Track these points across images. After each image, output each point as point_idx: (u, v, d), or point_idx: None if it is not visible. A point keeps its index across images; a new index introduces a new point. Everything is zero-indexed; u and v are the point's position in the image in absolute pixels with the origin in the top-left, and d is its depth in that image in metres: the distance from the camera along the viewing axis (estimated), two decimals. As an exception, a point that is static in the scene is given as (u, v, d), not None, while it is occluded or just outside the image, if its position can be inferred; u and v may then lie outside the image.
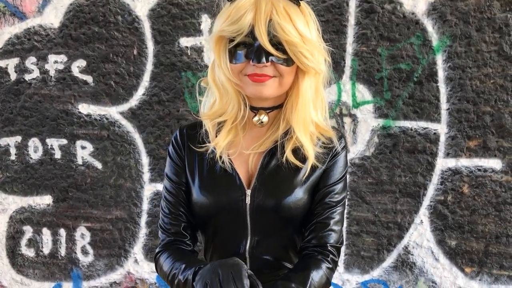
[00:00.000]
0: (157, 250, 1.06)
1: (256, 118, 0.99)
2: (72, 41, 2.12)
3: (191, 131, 1.05)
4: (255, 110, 1.00)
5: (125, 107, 2.13)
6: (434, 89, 1.90)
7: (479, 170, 1.89)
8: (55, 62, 2.14)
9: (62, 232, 2.24)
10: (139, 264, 2.21)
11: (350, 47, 1.93)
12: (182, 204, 1.03)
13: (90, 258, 2.23)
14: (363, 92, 1.95)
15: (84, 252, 2.24)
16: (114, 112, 2.14)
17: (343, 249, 2.02)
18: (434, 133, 1.91)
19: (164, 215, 1.05)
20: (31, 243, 2.27)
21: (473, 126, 1.88)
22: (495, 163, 1.88)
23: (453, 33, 1.86)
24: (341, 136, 1.05)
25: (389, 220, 1.98)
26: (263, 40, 0.88)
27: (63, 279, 2.27)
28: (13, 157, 2.23)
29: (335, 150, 1.01)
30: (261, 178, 0.98)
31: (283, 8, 0.89)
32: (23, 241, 2.28)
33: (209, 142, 1.00)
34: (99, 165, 2.17)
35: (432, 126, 1.91)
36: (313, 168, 0.99)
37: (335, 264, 1.00)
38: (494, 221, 1.90)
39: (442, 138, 1.91)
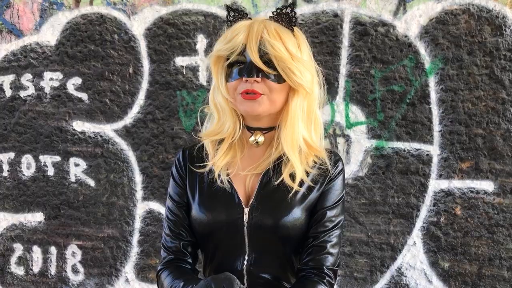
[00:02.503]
0: (158, 267, 1.08)
1: (252, 138, 1.02)
2: (68, 58, 2.14)
3: (192, 151, 1.08)
4: (251, 130, 1.03)
5: (119, 124, 2.13)
6: (427, 110, 1.92)
7: (472, 191, 1.90)
8: (50, 79, 2.15)
9: (53, 250, 2.22)
10: (130, 284, 2.18)
11: (343, 69, 1.96)
12: (184, 224, 1.05)
13: (80, 277, 2.21)
14: (357, 113, 1.96)
15: (75, 270, 2.21)
16: (108, 129, 2.15)
17: (336, 270, 2.01)
18: (427, 155, 1.93)
19: (166, 234, 1.07)
20: (21, 261, 2.25)
21: (465, 148, 1.90)
22: (487, 185, 1.89)
23: (445, 56, 1.89)
24: (339, 159, 1.06)
25: (382, 241, 1.97)
26: (254, 56, 0.93)
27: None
28: (5, 174, 2.22)
29: (333, 173, 1.02)
30: (259, 197, 1.00)
31: (274, 29, 0.95)
32: (13, 259, 2.25)
33: (209, 160, 1.03)
34: (92, 183, 2.17)
35: (424, 147, 1.93)
36: (310, 189, 1.01)
37: (332, 286, 1.01)
38: (487, 243, 1.90)
39: (435, 160, 1.92)
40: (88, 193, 2.17)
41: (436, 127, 1.92)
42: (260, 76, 0.95)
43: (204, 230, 1.02)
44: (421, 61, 1.90)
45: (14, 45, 2.17)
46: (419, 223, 1.95)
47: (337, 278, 2.02)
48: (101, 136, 2.15)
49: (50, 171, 2.19)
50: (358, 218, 1.98)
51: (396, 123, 1.94)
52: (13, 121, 2.19)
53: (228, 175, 1.01)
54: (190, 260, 1.07)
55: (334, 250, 1.01)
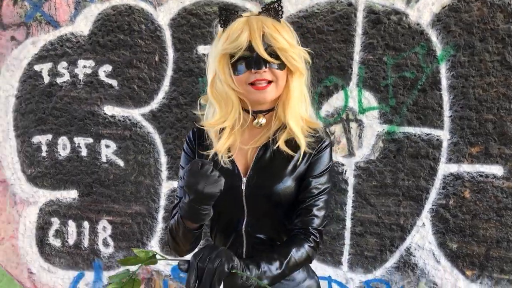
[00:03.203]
0: (169, 227, 1.21)
1: (256, 121, 1.16)
2: (100, 47, 2.30)
3: (200, 133, 1.22)
4: (254, 113, 1.16)
5: (146, 109, 2.29)
6: (438, 96, 1.97)
7: (481, 176, 1.95)
8: (83, 66, 2.33)
9: (86, 224, 2.41)
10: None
11: (357, 56, 2.03)
12: None
13: (110, 249, 2.40)
14: (369, 99, 2.04)
15: (105, 244, 2.40)
16: (136, 114, 2.31)
17: (346, 248, 2.11)
18: (437, 139, 1.99)
19: (178, 198, 1.22)
20: (58, 234, 2.46)
21: (475, 133, 1.95)
22: (496, 169, 1.94)
23: (457, 43, 1.93)
24: (327, 134, 1.19)
25: (392, 222, 2.05)
26: (261, 50, 1.06)
27: (86, 268, 2.44)
28: (44, 154, 2.43)
29: (319, 147, 1.14)
30: (255, 168, 1.14)
31: (271, 23, 1.08)
32: (51, 232, 2.46)
33: (212, 147, 1.17)
34: (121, 163, 2.34)
35: (435, 132, 1.99)
36: (300, 160, 1.14)
37: (317, 244, 1.14)
38: (495, 226, 1.95)
39: (445, 144, 1.98)
40: (117, 173, 2.35)
41: (447, 113, 1.97)
42: (267, 66, 1.07)
43: None
44: (432, 48, 1.96)
45: (52, 35, 2.36)
46: (428, 205, 2.01)
47: (348, 256, 2.11)
48: (129, 120, 2.31)
49: (84, 152, 2.38)
50: (369, 199, 2.07)
51: (408, 108, 2.00)
52: (50, 106, 2.39)
53: (230, 156, 1.15)
54: None
55: (319, 213, 1.13)
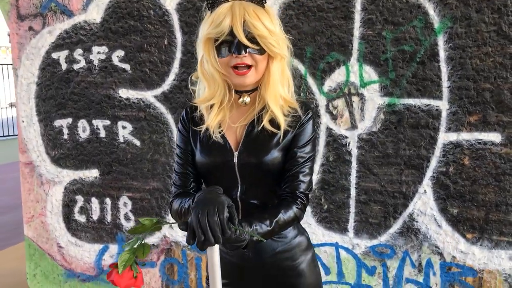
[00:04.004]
0: (170, 200, 1.35)
1: (241, 100, 1.27)
2: (112, 34, 2.42)
3: (193, 111, 1.34)
4: (239, 93, 1.28)
5: (158, 91, 2.41)
6: (436, 68, 2.04)
7: (479, 143, 2.03)
8: (98, 53, 2.46)
9: (108, 201, 2.58)
10: (173, 229, 2.51)
11: (357, 32, 2.11)
12: (190, 165, 1.32)
13: (131, 223, 2.57)
14: (370, 73, 2.12)
15: (127, 218, 2.57)
16: (149, 96, 2.44)
17: (352, 216, 2.22)
18: (436, 110, 2.06)
19: (176, 173, 1.35)
20: (82, 210, 2.64)
21: (473, 102, 2.02)
22: (494, 137, 2.01)
23: (454, 15, 1.99)
24: (308, 108, 1.29)
25: (395, 190, 2.16)
26: (241, 36, 1.15)
27: (110, 241, 2.62)
28: (65, 137, 2.59)
29: (303, 119, 1.25)
30: (245, 143, 1.26)
31: (252, 10, 1.17)
32: (76, 209, 2.65)
33: (204, 122, 1.29)
34: (137, 143, 2.49)
35: (434, 103, 2.06)
36: (285, 133, 1.26)
37: (304, 205, 1.26)
38: (494, 191, 2.04)
39: (444, 114, 2.06)
40: (134, 152, 2.50)
41: (445, 84, 2.04)
42: (247, 52, 1.17)
43: (205, 170, 1.29)
44: (430, 21, 2.01)
45: (66, 24, 2.49)
46: (429, 173, 2.11)
47: (354, 223, 2.22)
48: (143, 102, 2.45)
49: (102, 133, 2.53)
50: (372, 169, 2.17)
51: (407, 81, 2.08)
52: (69, 91, 2.54)
53: (221, 131, 1.27)
54: (194, 192, 1.31)
55: (305, 179, 1.25)
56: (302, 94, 2.20)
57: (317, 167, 2.24)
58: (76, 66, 2.51)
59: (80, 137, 2.57)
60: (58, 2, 2.48)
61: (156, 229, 1.09)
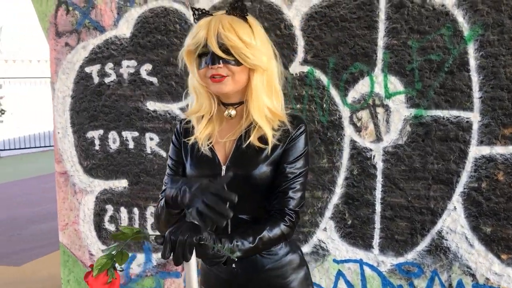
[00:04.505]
0: (154, 212, 1.36)
1: (226, 112, 1.27)
2: (140, 48, 2.49)
3: (185, 125, 1.36)
4: (225, 106, 1.27)
5: (183, 103, 2.45)
6: (466, 78, 1.93)
7: (515, 157, 1.90)
8: (127, 66, 2.53)
9: (136, 210, 2.64)
10: (198, 240, 2.52)
11: (381, 41, 2.04)
12: (180, 176, 1.33)
13: (158, 233, 2.60)
14: (395, 83, 2.04)
15: (153, 228, 2.61)
16: (175, 108, 2.48)
17: (377, 232, 2.14)
18: (467, 122, 1.95)
19: (165, 185, 1.37)
20: (112, 219, 2.71)
21: (508, 113, 1.89)
22: (531, 151, 1.87)
23: (485, 22, 1.88)
24: (300, 122, 1.27)
25: (422, 206, 2.05)
26: (214, 47, 1.16)
27: (137, 250, 2.67)
28: (97, 147, 2.68)
29: (294, 134, 1.22)
30: (233, 158, 1.26)
31: (228, 23, 1.17)
32: (106, 218, 2.73)
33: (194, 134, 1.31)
34: (164, 154, 2.53)
35: (464, 114, 1.95)
36: (274, 147, 1.24)
37: (293, 223, 1.23)
38: (532, 209, 1.89)
39: (475, 126, 1.94)
40: (161, 163, 2.54)
41: (476, 94, 1.93)
42: (221, 62, 1.17)
43: None
44: (459, 29, 1.92)
45: (99, 39, 2.59)
46: (459, 188, 1.99)
47: (379, 240, 2.15)
48: (169, 114, 2.49)
49: (131, 145, 2.60)
50: (398, 184, 2.08)
51: (435, 91, 1.98)
52: (100, 104, 2.63)
53: (210, 143, 1.28)
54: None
55: (295, 195, 1.22)
56: (325, 105, 2.15)
57: (340, 180, 2.18)
58: (107, 80, 2.60)
59: (111, 148, 2.65)
60: (92, 19, 2.59)
61: (136, 238, 1.11)
